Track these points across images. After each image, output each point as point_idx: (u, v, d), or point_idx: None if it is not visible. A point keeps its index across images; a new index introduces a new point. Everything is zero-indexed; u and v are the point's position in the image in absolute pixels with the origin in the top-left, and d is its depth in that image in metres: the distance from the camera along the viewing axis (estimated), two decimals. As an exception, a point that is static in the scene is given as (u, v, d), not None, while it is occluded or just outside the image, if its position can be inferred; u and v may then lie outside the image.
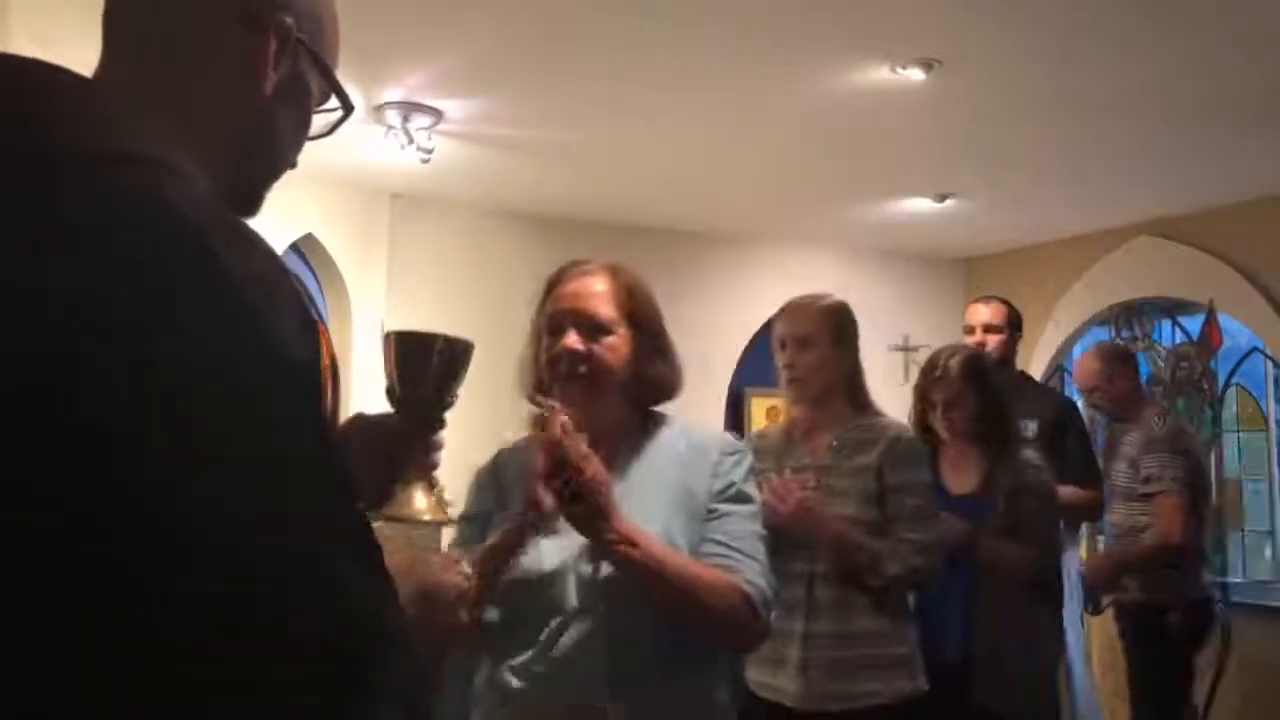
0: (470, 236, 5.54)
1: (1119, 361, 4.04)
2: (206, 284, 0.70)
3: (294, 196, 4.15)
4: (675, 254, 5.70)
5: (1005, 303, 3.86)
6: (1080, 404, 4.25)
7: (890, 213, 5.62)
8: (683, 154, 4.69)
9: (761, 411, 5.96)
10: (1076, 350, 5.89)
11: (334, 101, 0.97)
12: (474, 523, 1.77)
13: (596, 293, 1.73)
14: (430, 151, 4.22)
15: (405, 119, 4.07)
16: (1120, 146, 4.45)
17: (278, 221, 4.43)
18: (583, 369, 1.70)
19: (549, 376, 1.72)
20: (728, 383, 6.05)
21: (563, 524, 1.58)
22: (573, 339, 1.70)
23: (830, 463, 2.55)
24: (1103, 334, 5.86)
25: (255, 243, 0.75)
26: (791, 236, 6.15)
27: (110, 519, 0.64)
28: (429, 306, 5.16)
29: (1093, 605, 4.03)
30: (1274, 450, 5.39)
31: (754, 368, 5.68)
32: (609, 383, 1.71)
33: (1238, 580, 5.33)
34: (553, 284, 1.79)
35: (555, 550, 1.65)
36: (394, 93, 3.92)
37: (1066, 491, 3.37)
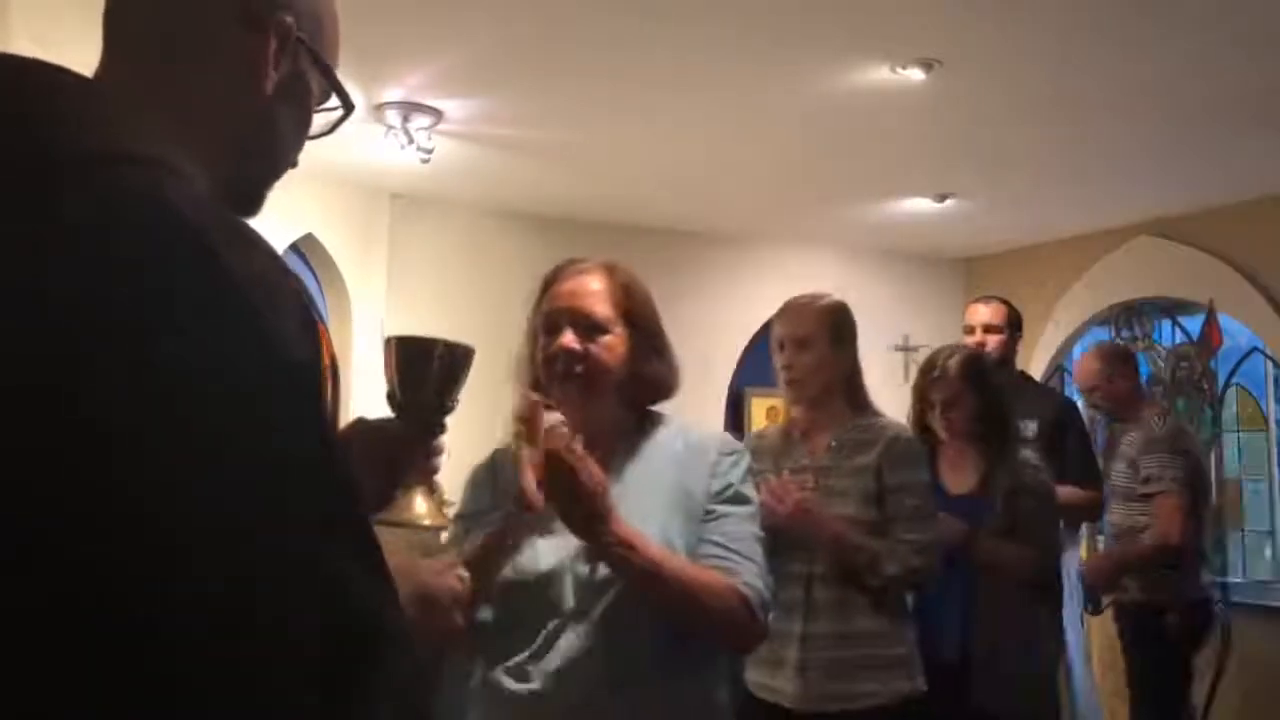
0: (470, 236, 5.54)
1: (1119, 361, 4.04)
2: (207, 284, 0.69)
3: (294, 196, 4.12)
4: (675, 254, 5.70)
5: (1005, 303, 3.86)
6: (1080, 404, 4.24)
7: (890, 213, 5.61)
8: (683, 154, 4.69)
9: (761, 412, 5.96)
10: (1076, 350, 5.89)
11: (334, 101, 0.97)
12: (469, 521, 1.77)
13: (593, 291, 1.72)
14: (430, 151, 4.22)
15: (405, 119, 4.08)
16: (1120, 146, 4.45)
17: (278, 221, 4.42)
18: (579, 368, 1.68)
19: (545, 375, 1.71)
20: (728, 383, 6.06)
21: (559, 525, 1.57)
22: (569, 338, 1.69)
23: (829, 463, 2.54)
24: (1103, 334, 5.86)
25: (256, 243, 0.75)
26: (791, 236, 6.15)
27: (110, 519, 0.64)
28: (429, 306, 5.16)
29: (1092, 605, 4.03)
30: (1274, 450, 5.39)
31: (754, 368, 5.68)
32: (605, 382, 1.70)
33: (1237, 580, 5.33)
34: (549, 282, 1.78)
35: (552, 551, 1.64)
36: (394, 93, 3.92)
37: (1066, 491, 3.37)
